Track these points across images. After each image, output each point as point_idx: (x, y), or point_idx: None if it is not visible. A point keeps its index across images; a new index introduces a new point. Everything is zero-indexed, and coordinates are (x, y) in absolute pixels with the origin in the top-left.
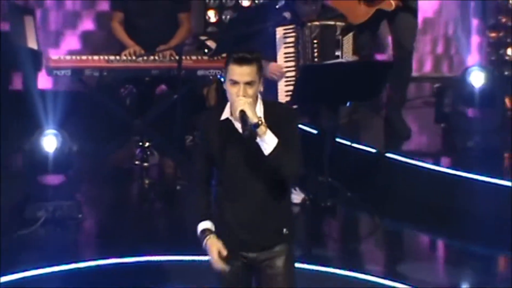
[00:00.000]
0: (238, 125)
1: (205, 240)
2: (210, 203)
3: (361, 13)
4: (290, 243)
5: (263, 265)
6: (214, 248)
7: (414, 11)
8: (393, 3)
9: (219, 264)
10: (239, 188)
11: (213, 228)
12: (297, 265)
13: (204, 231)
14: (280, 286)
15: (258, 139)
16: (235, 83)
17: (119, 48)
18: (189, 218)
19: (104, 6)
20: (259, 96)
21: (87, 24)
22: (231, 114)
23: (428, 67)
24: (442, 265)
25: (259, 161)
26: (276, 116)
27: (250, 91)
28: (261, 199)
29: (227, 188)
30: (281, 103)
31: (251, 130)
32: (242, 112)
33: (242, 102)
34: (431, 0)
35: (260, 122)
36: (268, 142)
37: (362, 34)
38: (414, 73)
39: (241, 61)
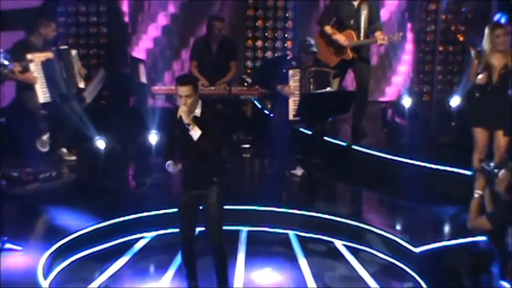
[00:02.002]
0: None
1: (170, 163)
2: (173, 158)
3: (332, 60)
4: (220, 186)
5: (204, 198)
6: (172, 166)
7: (367, 60)
8: (351, 55)
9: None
10: (192, 154)
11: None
12: (296, 211)
13: (170, 163)
14: (214, 211)
15: (190, 131)
16: (180, 96)
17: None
18: (232, 183)
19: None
20: (199, 102)
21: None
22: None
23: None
24: (384, 212)
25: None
26: (208, 114)
27: (189, 100)
28: (202, 160)
29: (185, 153)
30: (212, 107)
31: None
32: (180, 117)
33: (180, 110)
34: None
35: (189, 123)
36: (194, 134)
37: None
38: (370, 99)
39: (181, 84)
